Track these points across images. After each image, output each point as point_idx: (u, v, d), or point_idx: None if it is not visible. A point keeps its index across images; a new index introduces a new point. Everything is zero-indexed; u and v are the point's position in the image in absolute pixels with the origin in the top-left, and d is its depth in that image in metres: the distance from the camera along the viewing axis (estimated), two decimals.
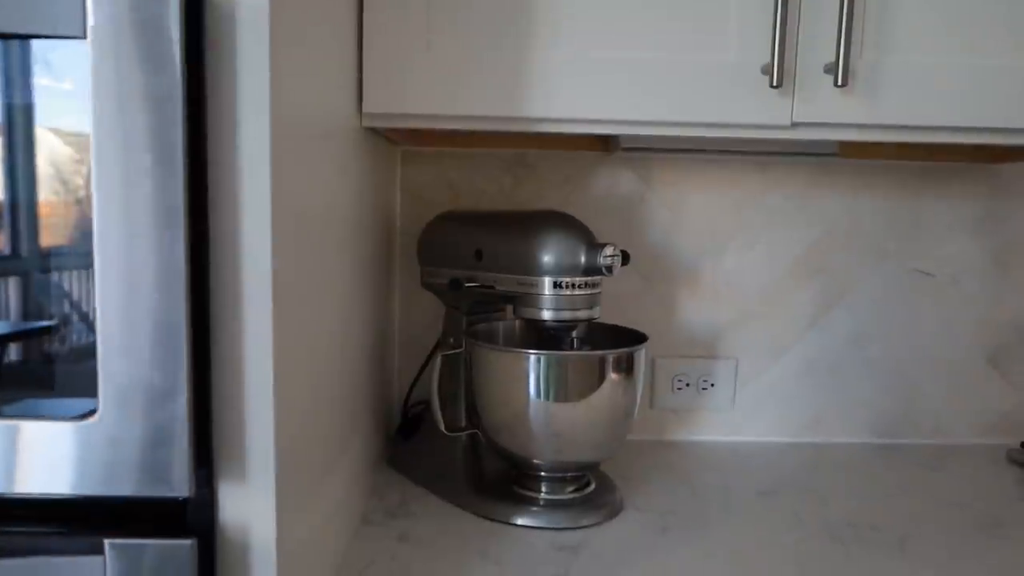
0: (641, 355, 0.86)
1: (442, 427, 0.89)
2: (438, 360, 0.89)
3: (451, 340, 0.96)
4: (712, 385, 1.15)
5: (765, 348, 1.15)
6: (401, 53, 0.79)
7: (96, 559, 0.47)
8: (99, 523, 0.49)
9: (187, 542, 0.48)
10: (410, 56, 0.79)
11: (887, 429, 1.18)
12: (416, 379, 1.08)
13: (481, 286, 0.89)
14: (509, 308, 0.99)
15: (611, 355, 0.83)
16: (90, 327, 0.46)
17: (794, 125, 0.81)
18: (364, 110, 0.79)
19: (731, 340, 1.15)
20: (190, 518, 0.51)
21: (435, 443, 0.95)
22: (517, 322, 0.97)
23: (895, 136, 0.82)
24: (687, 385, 1.15)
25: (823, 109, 0.80)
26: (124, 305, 0.46)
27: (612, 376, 0.83)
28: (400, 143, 1.09)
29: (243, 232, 0.48)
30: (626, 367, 0.84)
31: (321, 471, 0.68)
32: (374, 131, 0.92)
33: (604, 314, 0.89)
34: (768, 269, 1.14)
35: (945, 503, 0.95)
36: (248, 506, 0.51)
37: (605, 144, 1.11)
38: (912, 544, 0.82)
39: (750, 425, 1.17)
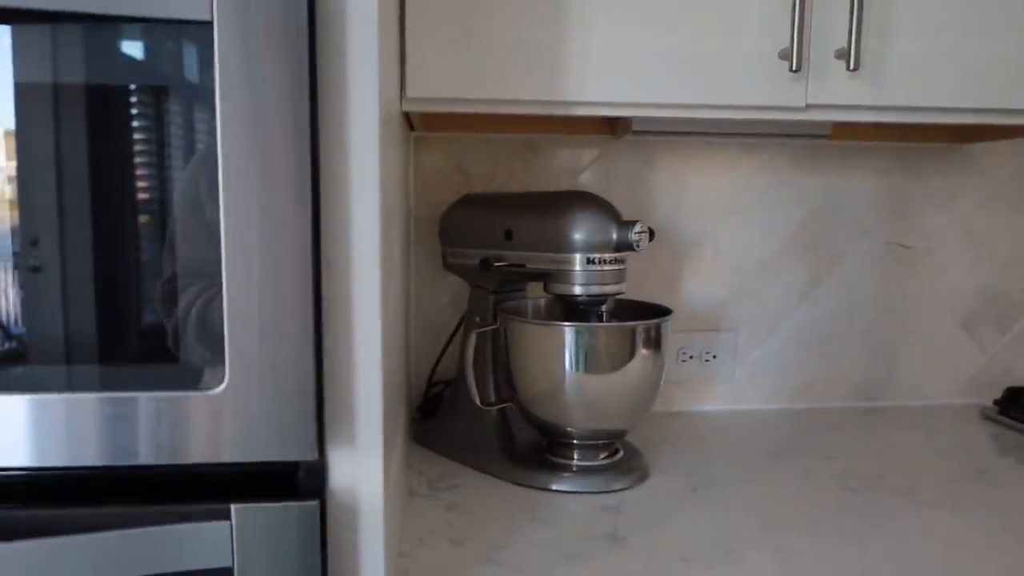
0: (667, 327, 0.91)
1: (478, 401, 0.92)
2: (472, 337, 0.92)
3: (477, 319, 0.99)
4: (714, 357, 1.21)
5: (762, 321, 1.22)
6: (443, 37, 0.81)
7: (223, 524, 0.50)
8: (216, 490, 0.51)
9: (313, 503, 0.50)
10: (451, 40, 0.82)
11: (872, 392, 1.26)
12: (439, 359, 1.10)
13: (511, 265, 0.93)
14: (531, 286, 1.03)
15: (642, 326, 0.87)
16: (217, 298, 0.48)
17: (808, 107, 0.87)
18: (407, 95, 0.82)
19: (731, 314, 1.21)
20: (303, 482, 0.53)
21: (462, 418, 0.98)
22: (543, 299, 1.01)
23: (897, 117, 0.89)
24: (691, 357, 1.21)
25: (835, 92, 0.86)
26: (249, 277, 0.48)
27: (642, 347, 0.88)
28: (416, 129, 1.11)
29: (352, 215, 0.51)
30: (655, 338, 0.89)
31: (394, 439, 0.71)
32: (403, 116, 0.94)
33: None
34: (763, 246, 1.21)
35: (934, 456, 1.03)
36: (357, 470, 0.54)
37: (613, 127, 1.15)
38: (919, 489, 0.90)
39: (750, 394, 1.23)
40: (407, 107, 0.84)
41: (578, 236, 0.87)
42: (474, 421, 0.98)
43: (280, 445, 0.49)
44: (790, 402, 1.25)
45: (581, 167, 1.16)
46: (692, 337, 1.21)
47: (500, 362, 0.93)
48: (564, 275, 0.88)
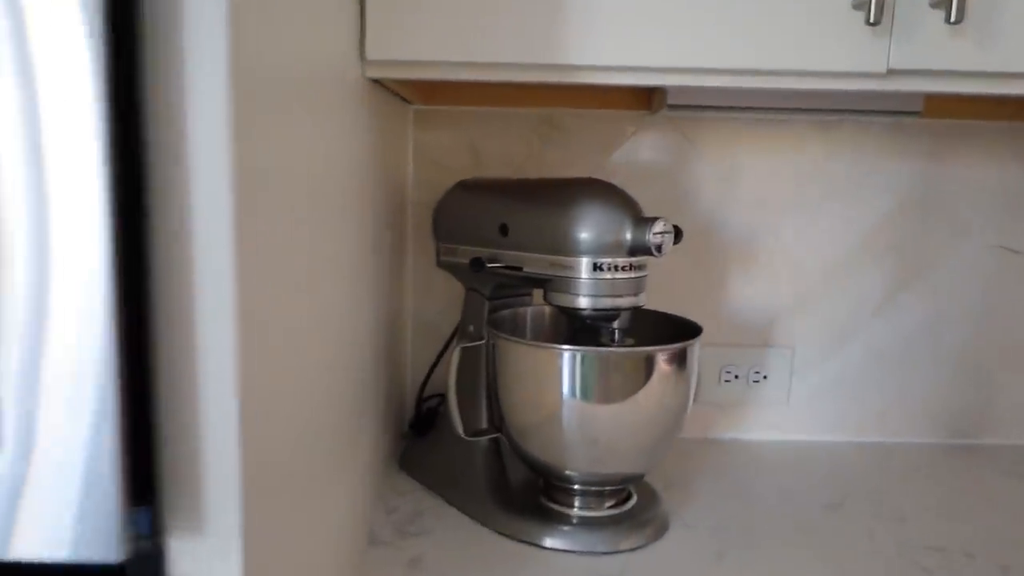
0: (695, 351, 0.73)
1: (460, 430, 0.77)
2: (455, 353, 0.76)
3: (471, 328, 0.84)
4: (765, 377, 1.02)
5: (826, 336, 1.01)
6: None
7: None
8: None
9: None
10: None
11: (964, 427, 1.04)
12: (431, 370, 0.95)
13: (506, 267, 0.76)
14: (538, 291, 0.86)
15: (660, 352, 0.70)
16: None
17: (889, 73, 0.66)
18: (367, 57, 0.66)
19: (787, 327, 1.01)
20: None
21: (452, 443, 0.83)
22: (548, 307, 0.84)
23: (1011, 87, 0.67)
24: (736, 377, 1.02)
25: (928, 53, 0.65)
26: (27, 313, 0.33)
27: (660, 375, 0.70)
28: (412, 101, 0.95)
29: (193, 217, 0.36)
30: (677, 365, 0.71)
31: (321, 486, 0.56)
32: (382, 86, 0.78)
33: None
34: (831, 246, 1.00)
35: None
36: (208, 564, 0.39)
37: (648, 101, 0.96)
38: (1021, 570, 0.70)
39: (807, 423, 1.03)
40: (372, 73, 0.68)
41: (583, 235, 0.69)
42: (461, 451, 0.83)
43: (75, 543, 0.35)
44: (857, 435, 1.04)
45: (610, 148, 0.98)
46: (738, 353, 1.01)
47: (490, 384, 0.77)
48: (566, 283, 0.71)
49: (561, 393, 0.69)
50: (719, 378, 1.02)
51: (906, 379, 1.03)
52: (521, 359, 0.71)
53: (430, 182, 0.98)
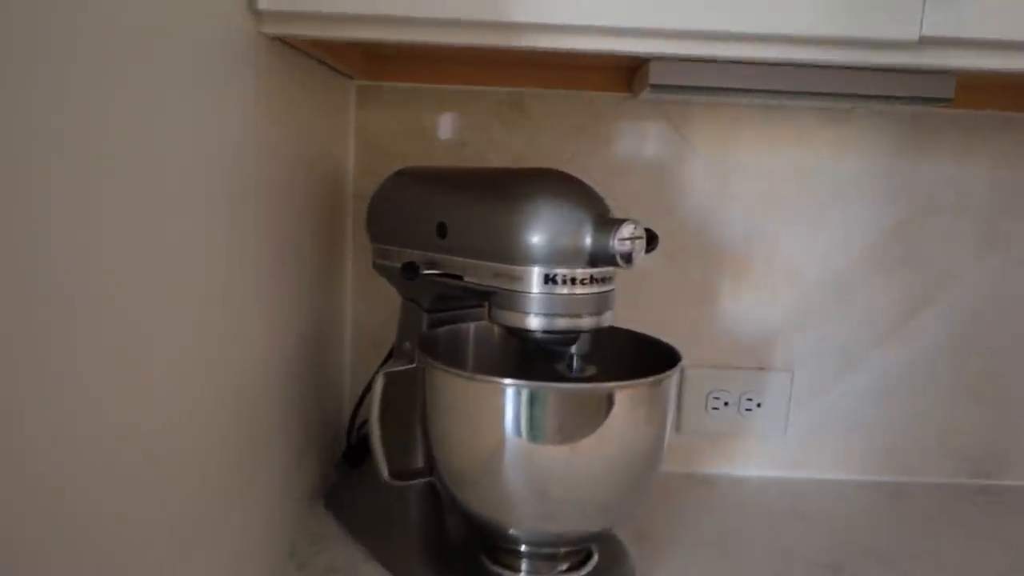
0: (672, 385, 0.59)
1: (384, 473, 0.63)
2: (379, 379, 0.62)
3: (406, 347, 0.70)
4: (759, 405, 0.88)
5: (829, 358, 0.88)
6: None
7: None
8: None
9: None
10: None
11: (987, 467, 0.90)
12: (365, 392, 0.82)
13: (444, 274, 0.63)
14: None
15: (627, 388, 0.56)
16: None
17: (922, 42, 0.52)
18: (258, 6, 0.52)
19: (785, 347, 0.88)
20: None
21: (380, 485, 0.69)
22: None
23: None
24: (726, 404, 0.88)
25: (970, 19, 0.51)
26: None
27: (627, 415, 0.56)
28: (353, 76, 0.82)
29: None
30: (649, 402, 0.57)
31: (191, 539, 0.43)
32: (305, 54, 0.65)
33: (617, 311, 0.62)
34: (838, 256, 0.86)
35: None
36: None
37: (628, 83, 0.82)
38: None
39: (807, 458, 0.90)
40: (269, 28, 0.54)
41: (532, 239, 0.56)
42: (395, 492, 0.69)
43: None
44: (863, 473, 0.90)
45: (586, 135, 0.84)
46: (729, 376, 0.87)
47: (421, 418, 0.64)
48: (512, 298, 0.58)
49: (503, 435, 0.55)
50: (706, 404, 0.88)
51: (921, 410, 0.89)
52: (453, 392, 0.57)
53: (374, 171, 0.85)
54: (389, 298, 0.86)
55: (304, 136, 0.69)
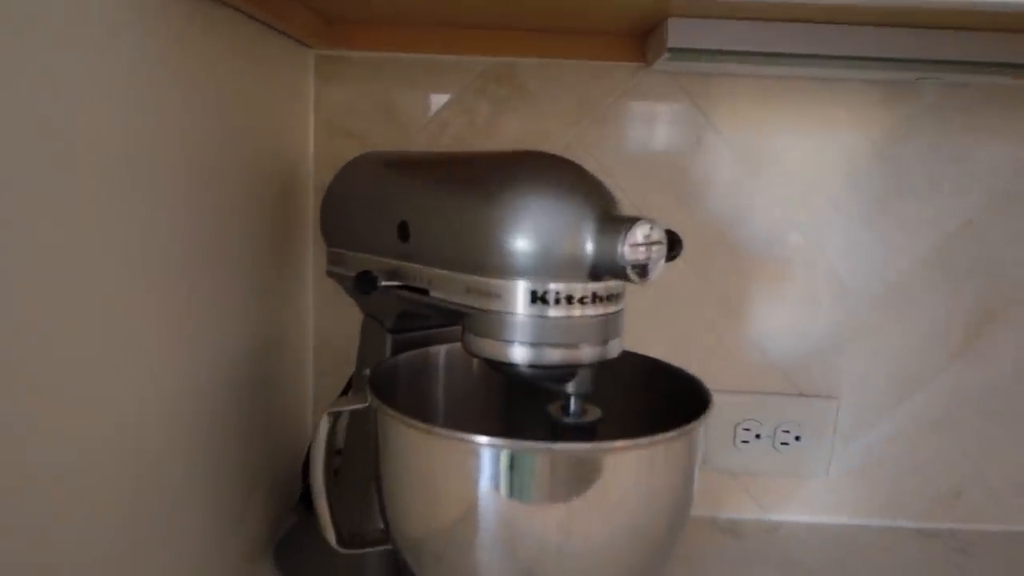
0: (700, 436, 0.45)
1: (331, 539, 0.50)
2: (322, 422, 0.49)
3: (366, 373, 0.56)
4: (797, 439, 0.74)
5: (882, 383, 0.73)
6: None
7: None
8: None
9: None
10: None
11: None
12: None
13: (406, 287, 0.49)
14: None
15: (643, 448, 0.42)
16: None
17: None
18: None
19: (829, 369, 0.73)
20: None
21: (350, 518, 0.56)
22: None
23: None
24: (758, 437, 0.74)
25: None
26: None
27: (639, 481, 0.42)
28: (311, 44, 0.68)
29: None
30: (669, 462, 0.43)
31: None
32: (245, 15, 0.51)
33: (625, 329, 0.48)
34: (893, 260, 0.71)
35: None
36: None
37: (641, 50, 0.68)
38: None
39: (854, 501, 0.75)
40: None
41: (517, 244, 0.42)
42: (344, 556, 0.55)
43: None
44: (921, 520, 0.76)
45: (588, 115, 0.70)
46: (761, 404, 0.73)
47: (375, 472, 0.50)
48: (490, 322, 0.44)
49: (473, 504, 0.42)
50: (734, 437, 0.74)
51: (991, 445, 0.74)
52: (410, 446, 0.44)
53: (339, 158, 0.70)
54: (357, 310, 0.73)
55: (248, 117, 0.56)
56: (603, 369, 0.48)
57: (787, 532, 0.74)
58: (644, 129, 0.70)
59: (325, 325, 0.75)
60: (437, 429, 0.41)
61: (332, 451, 0.50)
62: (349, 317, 0.73)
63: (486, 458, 0.40)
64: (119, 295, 0.39)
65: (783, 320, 0.73)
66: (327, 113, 0.71)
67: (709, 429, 0.74)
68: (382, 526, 0.51)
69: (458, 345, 0.57)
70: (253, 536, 0.62)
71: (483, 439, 0.40)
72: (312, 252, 0.73)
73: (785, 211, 0.71)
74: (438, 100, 0.70)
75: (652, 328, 0.72)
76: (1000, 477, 0.75)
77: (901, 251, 0.71)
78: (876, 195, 0.70)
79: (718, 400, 0.73)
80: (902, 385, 0.73)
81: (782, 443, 0.74)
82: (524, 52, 0.69)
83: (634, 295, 0.70)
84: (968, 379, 0.73)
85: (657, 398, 0.53)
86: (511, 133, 0.70)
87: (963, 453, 0.74)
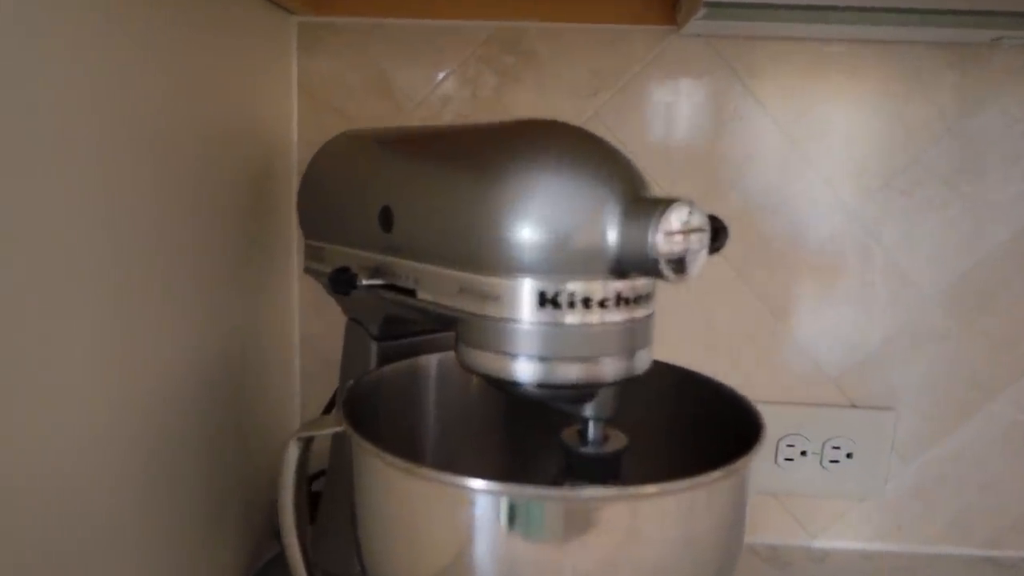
0: (750, 472, 0.36)
1: None
2: (290, 449, 0.41)
3: (352, 384, 0.48)
4: (849, 456, 0.65)
5: (946, 394, 0.64)
6: None
7: None
8: None
9: None
10: None
11: None
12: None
13: (389, 286, 0.40)
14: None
15: (684, 491, 0.33)
16: None
17: None
18: None
19: (886, 378, 0.64)
20: None
21: (329, 556, 0.48)
22: None
23: None
24: (803, 454, 0.65)
25: None
26: None
27: (679, 526, 0.33)
28: (294, 9, 0.60)
29: None
30: (713, 503, 0.35)
31: None
32: None
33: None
34: (966, 252, 0.62)
35: None
36: None
37: (670, 9, 0.59)
38: None
39: (913, 525, 0.66)
40: None
41: (522, 234, 0.33)
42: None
43: None
44: (990, 547, 0.66)
45: (607, 86, 0.61)
46: (808, 416, 0.64)
47: (353, 513, 0.42)
48: (488, 330, 0.35)
49: (468, 560, 0.33)
50: (777, 454, 0.65)
51: None
52: (386, 485, 0.35)
53: (324, 138, 0.62)
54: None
55: (223, 93, 0.48)
56: (628, 386, 0.39)
57: (837, 561, 0.65)
58: (674, 103, 0.61)
59: (312, 328, 0.67)
60: (420, 469, 0.32)
61: (303, 481, 0.42)
62: (340, 314, 0.65)
63: (482, 506, 0.32)
64: (67, 289, 0.31)
65: (834, 321, 0.63)
66: (311, 87, 0.62)
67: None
68: (359, 570, 0.43)
69: (452, 355, 0.49)
70: (232, 565, 0.54)
71: (478, 483, 0.31)
72: (297, 243, 0.65)
73: (836, 196, 0.62)
74: (437, 71, 0.62)
75: (682, 334, 0.64)
76: None
77: (972, 242, 0.62)
78: (943, 175, 0.61)
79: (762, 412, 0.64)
80: (970, 395, 0.64)
81: (831, 461, 0.65)
82: (534, 15, 0.60)
83: (661, 294, 0.62)
84: None
85: (691, 417, 0.44)
86: (520, 108, 0.62)
87: None
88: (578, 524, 0.32)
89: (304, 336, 0.67)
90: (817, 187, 0.62)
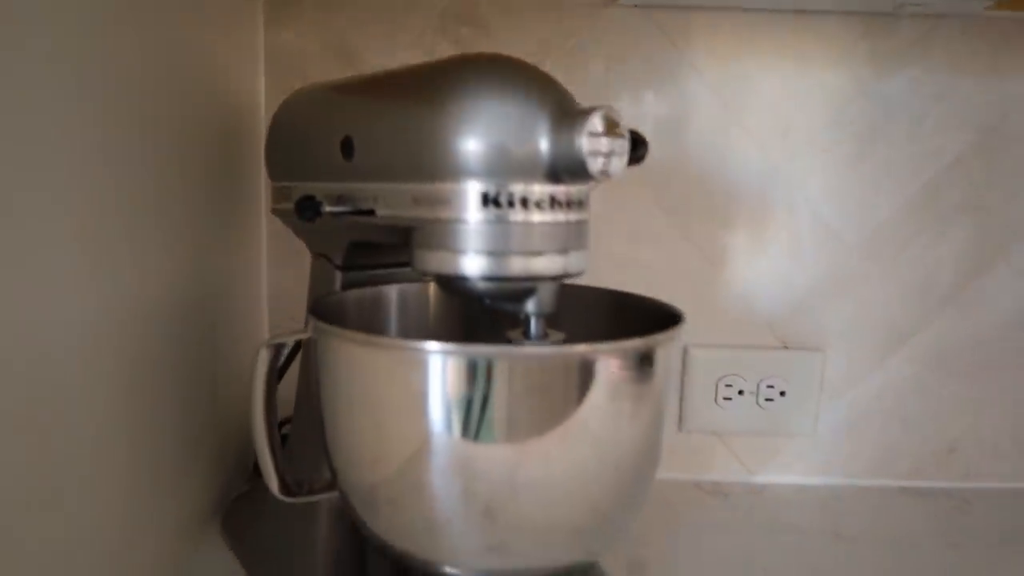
0: (671, 350, 0.41)
1: (273, 486, 0.45)
2: (261, 354, 0.45)
3: (318, 299, 0.52)
4: (782, 394, 0.70)
5: (870, 335, 0.70)
6: None
7: None
8: None
9: None
10: None
11: None
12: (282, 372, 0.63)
13: (353, 211, 0.45)
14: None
15: (607, 353, 0.38)
16: None
17: None
18: None
19: (814, 320, 0.70)
20: None
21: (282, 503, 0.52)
22: (431, 284, 0.53)
23: None
24: (740, 393, 0.70)
25: None
26: None
27: (608, 395, 0.38)
28: None
29: None
30: (638, 375, 0.39)
31: None
32: None
33: (592, 271, 0.44)
34: (882, 202, 0.68)
35: None
36: None
37: None
38: None
39: (844, 459, 0.72)
40: None
41: (465, 143, 0.38)
42: (300, 512, 0.51)
43: None
44: (913, 478, 0.72)
45: (555, 54, 0.67)
46: (744, 357, 0.70)
47: (318, 411, 0.45)
48: (438, 232, 0.40)
49: (423, 430, 0.37)
50: (716, 394, 0.70)
51: (985, 398, 0.71)
52: (349, 366, 0.39)
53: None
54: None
55: (191, 58, 0.52)
56: (567, 300, 0.44)
57: (774, 494, 0.70)
58: (614, 70, 0.67)
59: (279, 280, 0.70)
60: (378, 339, 0.37)
61: (273, 388, 0.45)
62: (303, 270, 0.69)
63: (434, 368, 0.36)
64: (38, 233, 0.35)
65: (765, 269, 0.69)
66: (278, 57, 0.67)
67: (689, 386, 0.70)
68: (324, 476, 0.46)
69: (413, 285, 0.54)
70: (196, 507, 0.57)
71: (433, 345, 0.36)
72: (265, 201, 0.69)
73: (765, 153, 0.67)
74: (397, 41, 0.67)
75: (626, 278, 0.69)
76: (995, 431, 0.71)
77: (888, 193, 0.68)
78: (860, 134, 0.67)
79: (698, 355, 0.69)
80: (891, 336, 0.70)
81: (767, 399, 0.70)
82: None
83: (607, 242, 0.67)
84: (960, 327, 0.70)
85: (626, 332, 0.49)
86: None
87: (958, 406, 0.71)
88: (520, 384, 0.36)
89: (272, 289, 0.70)
90: (748, 146, 0.67)
